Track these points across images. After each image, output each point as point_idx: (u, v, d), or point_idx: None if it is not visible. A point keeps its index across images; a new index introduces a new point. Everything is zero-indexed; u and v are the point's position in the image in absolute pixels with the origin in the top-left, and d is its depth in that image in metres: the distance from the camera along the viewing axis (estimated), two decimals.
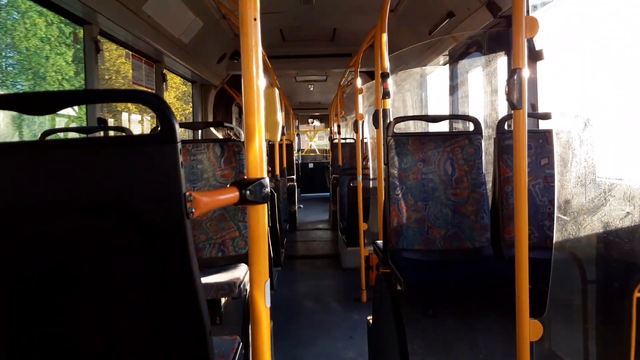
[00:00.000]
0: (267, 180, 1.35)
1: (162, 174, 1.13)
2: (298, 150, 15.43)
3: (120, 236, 1.16)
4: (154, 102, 1.15)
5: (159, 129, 1.14)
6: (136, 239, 1.16)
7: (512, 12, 1.82)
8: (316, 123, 16.38)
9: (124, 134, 3.93)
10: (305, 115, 15.82)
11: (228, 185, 1.33)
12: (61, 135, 3.66)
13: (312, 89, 10.67)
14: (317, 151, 16.05)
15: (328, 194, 11.19)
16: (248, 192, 1.32)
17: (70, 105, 1.23)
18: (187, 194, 1.14)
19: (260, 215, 1.37)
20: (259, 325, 1.38)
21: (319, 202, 12.88)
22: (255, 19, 1.34)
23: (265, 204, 1.38)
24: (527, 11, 1.85)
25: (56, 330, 1.21)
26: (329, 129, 13.15)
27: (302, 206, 11.62)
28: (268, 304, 1.38)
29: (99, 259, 1.17)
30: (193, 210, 1.15)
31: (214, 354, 1.35)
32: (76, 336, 1.22)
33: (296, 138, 15.15)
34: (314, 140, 16.47)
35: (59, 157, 1.14)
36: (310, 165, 14.70)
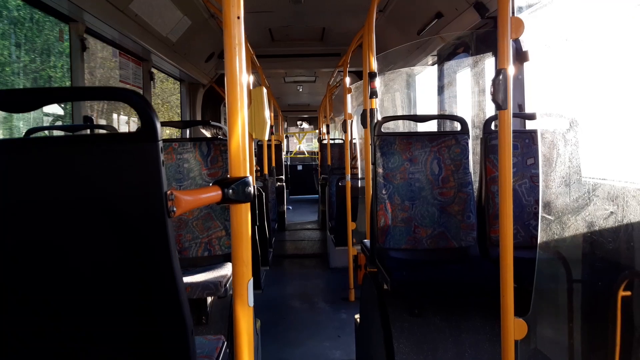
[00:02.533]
0: (250, 179, 1.35)
1: (143, 173, 1.13)
2: (287, 152, 15.43)
3: (101, 234, 1.15)
4: (135, 100, 1.14)
5: (140, 127, 1.13)
6: (117, 237, 1.15)
7: (498, 13, 1.83)
8: (305, 125, 16.40)
9: (110, 132, 3.90)
10: (294, 117, 15.84)
11: (211, 184, 1.32)
12: (47, 133, 3.62)
13: (300, 90, 10.65)
14: (305, 153, 16.06)
15: (317, 196, 11.19)
16: (230, 191, 1.31)
17: (52, 102, 1.22)
18: (169, 192, 1.13)
19: (244, 214, 1.36)
20: (242, 325, 1.37)
21: (308, 203, 12.87)
22: (238, 17, 1.33)
23: (249, 203, 1.37)
24: (513, 12, 1.86)
25: (36, 328, 1.20)
26: (317, 130, 13.17)
27: (290, 208, 11.61)
28: (251, 303, 1.38)
29: (79, 257, 1.16)
30: (174, 209, 1.14)
31: (198, 354, 1.34)
32: (56, 334, 1.21)
33: (285, 140, 15.16)
34: (302, 142, 16.48)
35: (41, 155, 1.13)
36: (299, 167, 14.70)
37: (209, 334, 2.37)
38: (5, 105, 1.18)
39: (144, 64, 5.12)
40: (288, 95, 11.82)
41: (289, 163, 14.61)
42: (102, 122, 5.51)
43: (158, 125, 1.12)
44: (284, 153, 12.53)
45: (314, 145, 16.79)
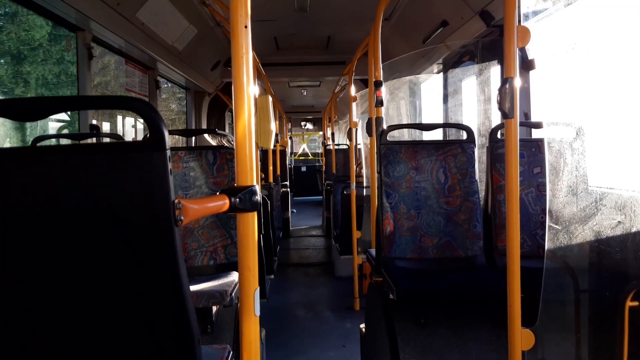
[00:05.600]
0: (257, 188, 1.34)
1: (151, 181, 1.12)
2: (291, 154, 15.43)
3: (109, 243, 1.15)
4: (143, 109, 1.14)
5: (148, 136, 1.13)
6: (124, 246, 1.15)
7: (504, 21, 1.83)
8: (309, 126, 16.38)
9: (116, 140, 3.91)
10: (298, 118, 15.83)
11: (218, 193, 1.32)
12: (53, 141, 3.64)
13: (305, 93, 10.67)
14: (309, 154, 16.05)
15: (321, 197, 11.18)
16: (238, 199, 1.31)
17: (59, 111, 1.22)
18: (176, 201, 1.13)
19: (250, 223, 1.36)
20: (249, 334, 1.36)
21: (312, 205, 12.85)
22: (245, 27, 1.33)
23: (255, 212, 1.37)
24: (519, 21, 1.86)
25: (42, 336, 1.20)
26: (321, 132, 13.16)
27: (295, 211, 11.59)
28: (258, 313, 1.37)
29: (86, 266, 1.16)
30: (182, 217, 1.14)
31: None
32: (62, 344, 1.20)
33: (289, 141, 15.15)
34: (306, 143, 16.47)
35: (49, 164, 1.13)
36: (303, 169, 14.70)
37: (215, 343, 2.37)
38: (14, 114, 1.19)
39: (150, 73, 5.14)
40: (292, 97, 11.83)
41: (292, 165, 14.61)
42: (106, 124, 5.54)
43: (166, 134, 1.12)
44: (288, 156, 12.52)
45: (318, 143, 16.77)
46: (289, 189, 10.09)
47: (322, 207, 10.16)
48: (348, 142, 6.17)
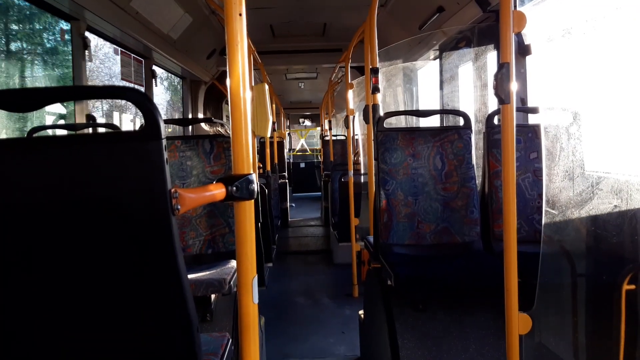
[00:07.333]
0: (254, 176, 1.35)
1: (147, 171, 1.12)
2: (290, 150, 15.46)
3: (105, 233, 1.15)
4: (138, 99, 1.14)
5: (144, 125, 1.13)
6: (121, 235, 1.15)
7: (500, 6, 1.82)
8: (307, 122, 16.43)
9: (113, 130, 3.90)
10: (296, 115, 15.87)
11: (214, 182, 1.32)
12: (50, 132, 3.63)
13: (302, 86, 10.64)
14: (308, 150, 16.09)
15: (319, 193, 11.20)
16: (234, 188, 1.31)
17: (54, 102, 1.22)
18: (173, 190, 1.13)
19: (247, 211, 1.36)
20: (247, 322, 1.37)
21: (311, 201, 12.88)
22: (240, 14, 1.33)
23: (252, 200, 1.37)
24: (515, 5, 1.85)
25: (40, 326, 1.20)
26: (320, 127, 13.19)
27: (294, 205, 11.61)
28: (256, 300, 1.38)
29: (83, 256, 1.16)
30: (179, 206, 1.14)
31: (203, 351, 1.35)
32: (60, 331, 1.21)
33: (287, 137, 15.18)
34: (304, 138, 16.50)
35: (45, 154, 1.13)
36: (302, 165, 14.72)
37: (214, 331, 2.38)
38: (8, 104, 1.18)
39: (146, 62, 5.12)
40: (290, 92, 11.82)
41: (291, 160, 14.64)
42: (105, 117, 5.54)
43: (161, 123, 1.12)
44: (286, 150, 12.54)
45: (316, 139, 16.81)
46: (287, 182, 10.10)
47: (320, 202, 10.16)
48: (345, 132, 6.17)
